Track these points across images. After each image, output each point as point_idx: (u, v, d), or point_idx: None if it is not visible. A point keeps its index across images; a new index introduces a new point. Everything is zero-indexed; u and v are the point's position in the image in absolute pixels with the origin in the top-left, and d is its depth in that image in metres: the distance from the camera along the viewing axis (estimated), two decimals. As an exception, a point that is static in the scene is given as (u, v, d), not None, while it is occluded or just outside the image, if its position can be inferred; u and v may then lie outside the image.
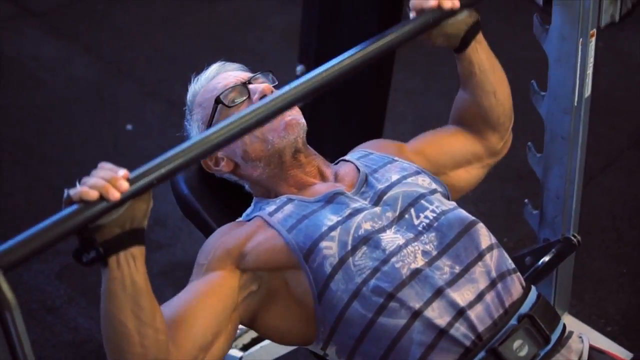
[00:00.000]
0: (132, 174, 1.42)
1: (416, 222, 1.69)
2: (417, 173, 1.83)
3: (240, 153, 1.81)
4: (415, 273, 1.61)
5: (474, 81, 1.94)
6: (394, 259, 1.62)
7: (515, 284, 1.69)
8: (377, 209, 1.71)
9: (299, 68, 2.85)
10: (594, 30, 2.12)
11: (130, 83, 3.97)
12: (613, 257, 3.03)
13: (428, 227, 1.69)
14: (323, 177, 1.82)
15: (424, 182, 1.80)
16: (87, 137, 3.65)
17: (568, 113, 2.17)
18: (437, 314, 1.58)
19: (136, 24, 4.34)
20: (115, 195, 1.36)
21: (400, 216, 1.70)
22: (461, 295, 1.61)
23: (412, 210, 1.71)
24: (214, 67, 1.94)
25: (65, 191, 1.40)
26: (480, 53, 1.92)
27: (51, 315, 2.84)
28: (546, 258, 2.30)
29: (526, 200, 2.36)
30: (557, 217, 2.30)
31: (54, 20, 4.33)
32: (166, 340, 1.50)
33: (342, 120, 2.92)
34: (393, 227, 1.68)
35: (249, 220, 1.76)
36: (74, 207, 1.37)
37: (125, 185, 1.38)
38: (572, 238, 2.30)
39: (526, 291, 1.69)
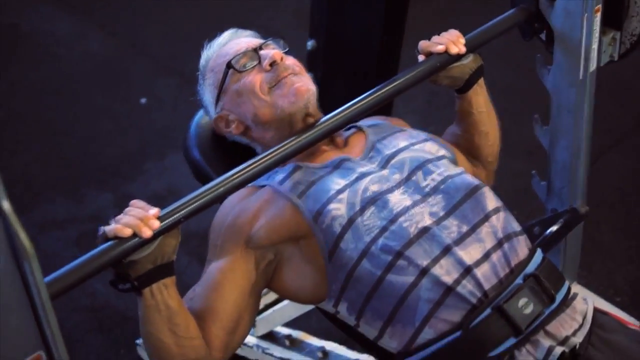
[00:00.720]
0: (162, 212, 1.55)
1: (423, 184, 1.73)
2: (425, 140, 1.86)
3: (251, 116, 1.84)
4: (423, 231, 1.65)
5: (470, 120, 2.01)
6: (401, 219, 1.66)
7: (522, 245, 1.73)
8: (385, 172, 1.75)
9: (310, 43, 2.89)
10: (599, 5, 2.16)
11: (144, 58, 4.02)
12: (621, 230, 3.07)
13: (435, 190, 1.72)
14: (334, 143, 1.86)
15: (431, 149, 1.84)
16: (102, 111, 3.71)
17: (573, 86, 2.21)
18: (445, 271, 1.62)
19: (151, 0, 4.39)
20: (147, 233, 1.49)
21: (408, 178, 1.74)
22: (468, 254, 1.65)
23: (419, 173, 1.75)
24: (227, 34, 1.98)
25: (101, 228, 1.51)
26: (480, 96, 2.00)
27: (68, 281, 2.91)
28: (554, 228, 2.34)
29: (534, 172, 2.40)
30: (564, 188, 2.34)
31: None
32: (202, 342, 1.63)
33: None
34: (401, 189, 1.72)
35: (258, 190, 1.79)
36: (110, 243, 1.49)
37: (156, 223, 1.50)
38: (579, 208, 2.35)
39: (532, 252, 1.73)
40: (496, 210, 1.74)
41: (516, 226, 1.77)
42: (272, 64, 1.82)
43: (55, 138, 3.58)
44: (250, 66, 1.85)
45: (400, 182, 1.73)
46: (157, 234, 1.51)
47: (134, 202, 1.55)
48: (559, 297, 1.69)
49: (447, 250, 1.64)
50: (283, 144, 1.73)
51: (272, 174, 1.80)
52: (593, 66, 2.23)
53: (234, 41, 1.94)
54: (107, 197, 3.24)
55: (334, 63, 2.91)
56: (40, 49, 4.14)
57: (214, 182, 1.63)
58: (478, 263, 1.65)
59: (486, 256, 1.67)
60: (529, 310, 1.63)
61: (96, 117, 3.68)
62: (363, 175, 1.73)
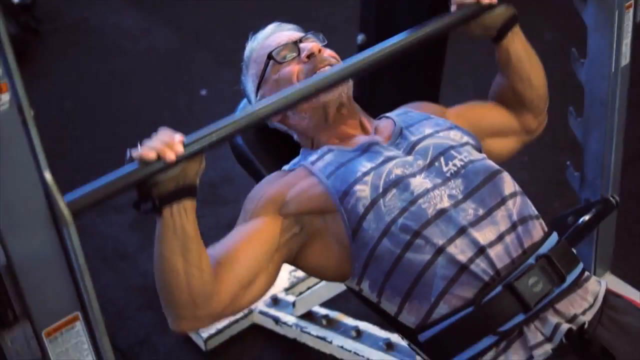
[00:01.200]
0: (187, 139, 1.63)
1: (445, 169, 1.81)
2: (450, 128, 1.94)
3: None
4: (441, 213, 1.74)
5: (510, 68, 2.07)
6: (420, 200, 1.74)
7: (537, 228, 1.80)
8: (409, 158, 1.83)
9: (360, 37, 2.98)
10: (631, 1, 2.22)
11: (206, 52, 4.16)
12: (660, 223, 3.09)
13: (456, 174, 1.80)
14: (364, 130, 1.95)
15: (455, 136, 1.91)
16: (165, 101, 3.85)
17: (606, 79, 2.27)
18: (459, 250, 1.70)
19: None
20: (171, 157, 1.57)
21: (430, 164, 1.82)
22: (483, 235, 1.72)
23: (442, 159, 1.83)
24: (271, 27, 2.08)
25: (128, 151, 1.60)
26: (517, 44, 2.05)
27: (124, 261, 3.06)
28: (586, 217, 2.40)
29: (568, 163, 2.46)
30: (597, 179, 2.40)
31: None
32: (211, 280, 1.67)
33: (397, 96, 3.04)
34: (423, 173, 1.80)
35: (293, 170, 1.89)
36: (135, 165, 1.57)
37: (180, 148, 1.59)
38: (611, 199, 2.41)
39: (547, 235, 1.80)
40: (513, 195, 1.81)
41: (532, 210, 1.83)
42: (310, 55, 1.93)
43: (119, 127, 3.72)
44: (289, 57, 1.96)
45: (423, 168, 1.81)
46: (180, 159, 1.58)
47: (162, 128, 1.63)
48: (571, 277, 1.75)
49: (462, 231, 1.72)
50: (302, 84, 1.81)
51: (306, 155, 1.91)
52: (626, 60, 2.29)
53: (277, 34, 2.04)
54: (165, 183, 3.36)
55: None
56: (108, 42, 4.30)
57: (237, 115, 1.71)
58: (492, 244, 1.72)
59: (500, 238, 1.74)
60: (538, 288, 1.69)
61: (159, 107, 3.83)
62: (389, 160, 1.82)
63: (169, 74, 4.03)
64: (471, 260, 1.70)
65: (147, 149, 1.57)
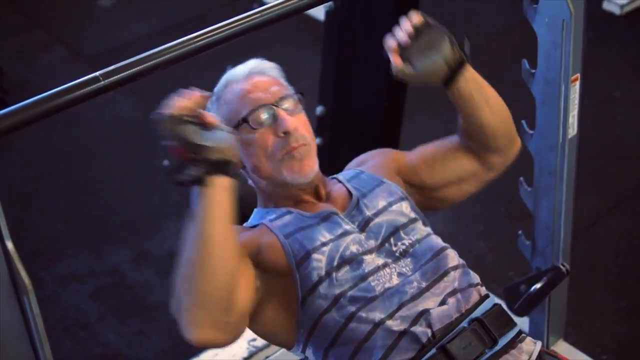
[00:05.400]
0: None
1: (394, 249, 1.88)
2: (402, 199, 1.98)
3: (252, 166, 1.92)
4: (388, 289, 1.81)
5: (465, 112, 2.00)
6: (371, 278, 1.82)
7: (474, 294, 1.87)
8: (363, 235, 1.89)
9: (319, 109, 3.06)
10: (577, 74, 2.31)
11: (170, 123, 4.20)
12: (613, 291, 3.16)
13: (404, 253, 1.88)
14: (318, 196, 1.99)
15: (406, 210, 1.97)
16: (127, 171, 3.89)
17: (554, 150, 2.35)
18: (399, 322, 1.77)
19: (179, 67, 4.57)
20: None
21: (382, 244, 1.88)
22: (424, 304, 1.80)
23: (392, 239, 1.89)
24: (251, 64, 2.00)
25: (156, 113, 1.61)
26: (469, 85, 1.95)
27: (84, 331, 3.08)
28: (537, 285, 2.48)
29: (520, 232, 2.53)
30: (547, 248, 2.47)
31: (102, 64, 4.57)
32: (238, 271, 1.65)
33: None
34: (374, 253, 1.87)
35: (254, 227, 1.92)
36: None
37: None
38: (561, 267, 2.48)
39: (482, 299, 1.87)
40: (455, 268, 1.89)
41: (472, 279, 1.90)
42: (286, 132, 1.88)
43: (82, 197, 3.75)
44: (265, 124, 1.89)
45: (374, 247, 1.88)
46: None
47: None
48: (504, 340, 1.82)
49: (404, 304, 1.79)
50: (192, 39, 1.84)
51: (264, 214, 1.94)
52: (573, 132, 2.37)
53: (256, 79, 1.95)
54: (126, 253, 3.40)
55: (341, 128, 3.08)
56: (73, 111, 4.32)
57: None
58: (432, 309, 1.79)
59: (441, 304, 1.81)
60: (469, 350, 1.77)
61: (122, 177, 3.86)
62: (346, 233, 1.87)
63: (133, 144, 4.08)
64: (411, 325, 1.77)
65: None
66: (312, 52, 4.48)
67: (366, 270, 1.82)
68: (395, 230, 1.91)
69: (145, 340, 3.04)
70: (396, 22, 1.97)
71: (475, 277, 1.91)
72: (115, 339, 3.00)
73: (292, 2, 1.95)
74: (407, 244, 1.89)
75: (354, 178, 2.04)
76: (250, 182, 1.99)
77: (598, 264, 3.25)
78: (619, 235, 3.43)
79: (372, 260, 1.85)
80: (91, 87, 1.63)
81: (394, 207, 1.95)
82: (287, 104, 1.91)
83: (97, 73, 1.65)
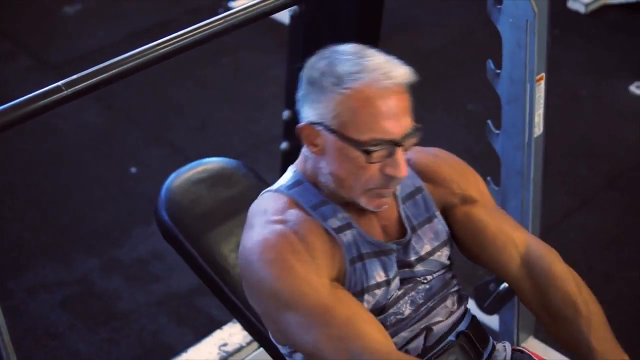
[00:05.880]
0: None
1: (420, 288, 1.83)
2: (444, 244, 1.87)
3: (334, 173, 1.72)
4: (400, 320, 1.79)
5: None
6: (391, 310, 1.78)
7: (462, 307, 1.87)
8: (402, 291, 1.81)
9: (285, 113, 3.06)
10: (542, 74, 2.33)
11: (137, 130, 4.19)
12: (582, 288, 3.17)
13: (421, 284, 1.83)
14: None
15: (444, 259, 1.87)
16: (95, 180, 3.86)
17: (520, 150, 2.36)
18: (397, 341, 1.77)
19: (145, 75, 4.54)
20: None
21: (409, 281, 1.82)
22: (425, 325, 1.81)
23: (420, 278, 1.83)
24: (398, 72, 1.69)
25: None
26: None
27: (54, 341, 3.05)
28: (506, 284, 2.49)
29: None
30: (516, 247, 2.48)
31: (68, 72, 4.55)
32: None
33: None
34: (405, 293, 1.81)
35: (311, 219, 1.75)
36: None
37: None
38: (530, 265, 2.48)
39: (466, 311, 1.87)
40: (455, 291, 1.88)
41: (461, 292, 1.90)
42: (394, 177, 1.71)
43: (50, 206, 3.73)
44: (379, 160, 1.69)
45: (406, 289, 1.81)
46: None
47: None
48: (485, 354, 1.84)
49: (407, 327, 1.79)
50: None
51: (321, 205, 1.76)
52: (539, 131, 2.39)
53: (394, 100, 1.67)
54: (94, 261, 3.38)
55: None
56: (39, 120, 4.30)
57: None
58: (433, 327, 1.81)
59: (440, 321, 1.82)
60: None
61: (89, 186, 3.84)
62: (394, 278, 1.78)
63: (100, 152, 4.06)
64: (407, 343, 1.78)
65: None
66: (279, 57, 4.48)
67: (390, 309, 1.78)
68: (427, 274, 1.84)
69: (115, 348, 3.02)
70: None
71: (462, 290, 1.91)
72: (85, 347, 2.98)
73: (256, 7, 1.96)
74: (429, 279, 1.84)
75: (410, 198, 1.87)
76: (306, 151, 1.78)
77: (567, 261, 3.17)
78: (588, 233, 3.45)
79: (398, 300, 1.80)
80: (54, 97, 1.63)
81: (435, 256, 1.85)
82: (409, 143, 1.71)
83: (59, 82, 1.65)
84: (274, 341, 1.84)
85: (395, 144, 1.68)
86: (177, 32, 1.85)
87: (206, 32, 1.89)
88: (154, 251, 3.38)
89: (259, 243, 1.71)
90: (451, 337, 1.81)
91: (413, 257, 1.82)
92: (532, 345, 2.67)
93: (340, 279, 1.73)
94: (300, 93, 1.76)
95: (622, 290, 3.23)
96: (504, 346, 1.89)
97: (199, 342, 2.87)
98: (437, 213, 1.88)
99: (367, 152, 1.67)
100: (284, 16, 3.63)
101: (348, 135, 1.67)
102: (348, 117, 1.66)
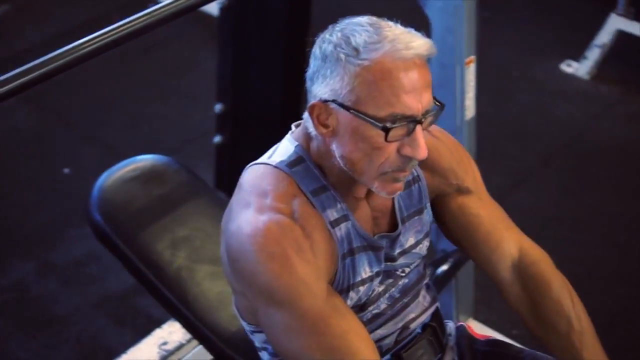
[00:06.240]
0: None
1: (395, 274, 1.78)
2: (426, 236, 1.81)
3: (347, 155, 1.59)
4: (376, 315, 1.76)
5: None
6: (370, 307, 1.74)
7: (433, 305, 1.86)
8: (385, 281, 1.76)
9: (218, 106, 3.04)
10: (472, 57, 2.33)
11: (69, 129, 4.13)
12: (520, 267, 3.19)
13: (400, 279, 1.79)
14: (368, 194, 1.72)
15: (424, 250, 1.82)
16: (27, 182, 3.80)
17: (453, 133, 2.35)
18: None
19: (75, 74, 4.48)
20: None
21: (389, 276, 1.77)
22: (402, 321, 1.79)
23: (398, 272, 1.78)
24: (419, 42, 1.56)
25: None
26: None
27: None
28: (444, 267, 2.49)
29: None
30: (453, 230, 2.49)
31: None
32: None
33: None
34: (382, 286, 1.76)
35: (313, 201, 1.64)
36: None
37: None
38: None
39: (432, 303, 1.86)
40: (425, 284, 1.87)
41: (432, 288, 1.89)
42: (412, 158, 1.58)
43: (-17, 210, 3.67)
44: (397, 138, 1.56)
45: (386, 285, 1.77)
46: None
47: None
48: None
49: (383, 324, 1.77)
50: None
51: (325, 198, 1.65)
52: (471, 114, 2.39)
53: (415, 73, 1.55)
54: (29, 266, 3.32)
55: (242, 125, 3.06)
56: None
57: None
58: (409, 323, 1.81)
59: (415, 318, 1.82)
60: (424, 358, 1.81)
61: (21, 189, 3.77)
62: (378, 274, 1.73)
63: (31, 154, 3.99)
64: (382, 339, 1.77)
65: None
66: (210, 49, 4.45)
67: (370, 306, 1.75)
68: (406, 266, 1.80)
69: (55, 353, 2.97)
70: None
71: (431, 285, 1.90)
72: (24, 354, 2.93)
73: (186, -1, 1.93)
74: (406, 272, 1.79)
75: (407, 187, 1.75)
76: (311, 130, 1.63)
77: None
78: (523, 212, 3.47)
79: (378, 294, 1.76)
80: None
81: (417, 249, 1.79)
82: (429, 120, 1.59)
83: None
84: (236, 313, 1.77)
85: (415, 121, 1.54)
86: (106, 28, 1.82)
87: (135, 26, 1.87)
88: (90, 252, 3.33)
89: (260, 231, 1.56)
90: (418, 330, 1.80)
91: (398, 251, 1.75)
92: (473, 326, 2.68)
93: (332, 278, 1.65)
94: (310, 70, 1.60)
95: (560, 267, 3.24)
96: (449, 326, 1.90)
97: (139, 342, 2.82)
98: (428, 204, 1.80)
99: (386, 130, 1.52)
100: (213, 8, 3.60)
101: (365, 111, 1.53)
102: (365, 92, 1.52)
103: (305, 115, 1.61)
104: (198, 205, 2.25)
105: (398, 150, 1.56)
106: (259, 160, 1.69)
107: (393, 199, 1.74)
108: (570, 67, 4.46)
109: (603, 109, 4.23)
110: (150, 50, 4.53)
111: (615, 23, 4.30)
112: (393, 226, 1.75)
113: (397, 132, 1.53)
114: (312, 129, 1.61)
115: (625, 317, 3.15)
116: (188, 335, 2.72)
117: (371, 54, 1.51)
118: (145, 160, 2.29)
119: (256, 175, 1.65)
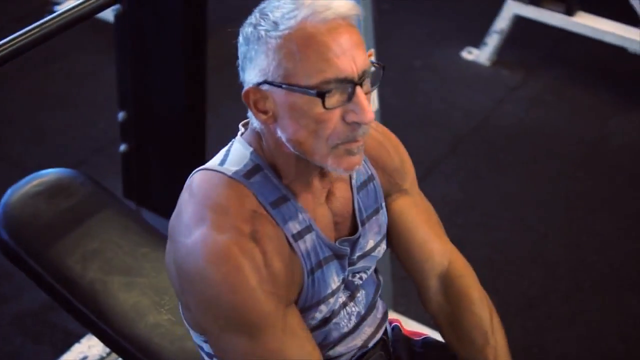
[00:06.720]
0: None
1: (354, 284, 1.75)
2: (384, 238, 1.79)
3: (292, 135, 1.51)
4: (343, 334, 1.76)
5: None
6: (334, 320, 1.72)
7: (385, 320, 1.87)
8: (346, 296, 1.74)
9: (121, 114, 3.00)
10: (372, 50, 2.33)
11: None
12: (435, 255, 3.23)
13: (358, 290, 1.76)
14: (323, 175, 1.64)
15: (381, 253, 1.79)
16: None
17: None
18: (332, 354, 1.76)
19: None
20: None
21: (350, 283, 1.75)
22: (359, 338, 1.79)
23: (357, 277, 1.76)
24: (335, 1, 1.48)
25: None
26: None
27: None
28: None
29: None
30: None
31: None
32: None
33: (167, 161, 3.07)
34: (344, 293, 1.74)
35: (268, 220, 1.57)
36: None
37: None
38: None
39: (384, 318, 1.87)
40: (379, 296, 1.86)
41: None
42: (359, 123, 1.50)
43: None
44: (337, 105, 1.48)
45: (349, 294, 1.76)
46: None
47: None
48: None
49: (343, 339, 1.76)
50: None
51: (286, 214, 1.58)
52: (375, 107, 2.41)
53: (340, 33, 1.46)
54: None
55: (146, 132, 3.03)
56: None
57: None
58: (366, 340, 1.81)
59: (373, 334, 1.82)
60: None
61: None
62: (342, 283, 1.70)
63: None
64: (340, 356, 1.77)
65: None
66: (109, 57, 4.39)
67: (334, 319, 1.72)
68: (363, 270, 1.76)
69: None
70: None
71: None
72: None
73: (79, 8, 1.91)
74: (363, 279, 1.76)
75: (363, 187, 1.73)
76: (256, 125, 1.57)
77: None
78: (434, 201, 3.44)
79: (342, 304, 1.74)
80: None
81: (375, 252, 1.76)
82: (368, 82, 1.52)
83: None
84: (185, 321, 1.71)
85: (353, 82, 1.46)
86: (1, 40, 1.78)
87: (31, 37, 1.83)
88: (1, 271, 3.26)
89: (221, 257, 1.50)
90: (371, 345, 1.81)
91: (357, 254, 1.71)
92: (393, 318, 2.70)
93: (296, 297, 1.60)
94: (239, 59, 1.53)
95: (472, 254, 3.26)
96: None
97: (59, 358, 2.79)
98: (383, 204, 1.76)
99: (321, 95, 1.44)
100: (110, 16, 3.55)
101: (296, 83, 1.45)
102: (292, 63, 1.45)
103: (250, 113, 1.56)
104: (106, 216, 2.22)
105: (343, 119, 1.48)
106: (210, 166, 1.59)
107: (353, 200, 1.69)
108: (471, 54, 4.53)
109: (505, 94, 4.30)
110: (49, 60, 4.46)
111: (512, 8, 4.38)
112: (353, 229, 1.71)
113: (335, 97, 1.46)
114: (255, 122, 1.56)
115: (542, 299, 3.21)
116: (108, 349, 2.69)
117: (290, 22, 1.45)
118: (49, 174, 2.25)
119: (210, 186, 1.56)
